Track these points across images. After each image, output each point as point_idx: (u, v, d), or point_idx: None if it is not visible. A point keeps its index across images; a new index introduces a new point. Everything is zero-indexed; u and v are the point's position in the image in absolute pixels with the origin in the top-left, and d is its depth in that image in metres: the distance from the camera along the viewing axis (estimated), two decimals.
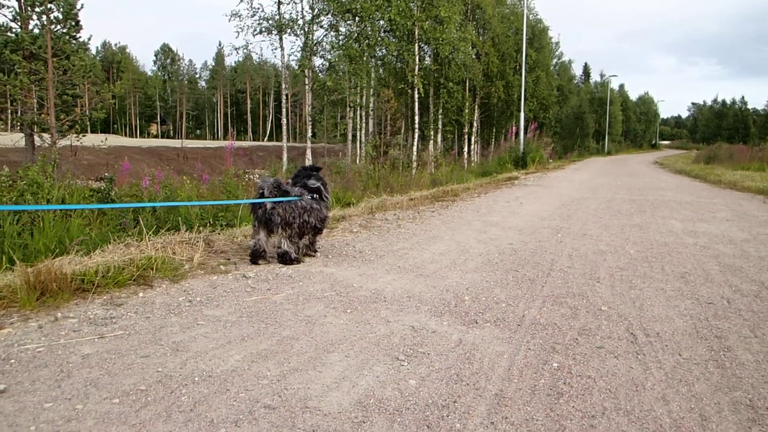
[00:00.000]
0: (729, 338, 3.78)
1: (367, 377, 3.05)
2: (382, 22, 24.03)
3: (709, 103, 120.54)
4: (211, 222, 7.36)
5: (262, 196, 5.46)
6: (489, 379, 3.06)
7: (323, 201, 5.94)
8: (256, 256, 5.60)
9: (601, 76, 77.56)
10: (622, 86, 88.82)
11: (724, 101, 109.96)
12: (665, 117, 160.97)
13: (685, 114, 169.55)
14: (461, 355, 3.39)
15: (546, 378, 3.10)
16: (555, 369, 3.22)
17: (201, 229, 6.82)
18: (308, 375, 3.05)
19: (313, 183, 5.96)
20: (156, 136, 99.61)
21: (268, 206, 5.44)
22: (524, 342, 3.63)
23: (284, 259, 5.60)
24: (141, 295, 4.44)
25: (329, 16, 24.63)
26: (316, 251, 6.11)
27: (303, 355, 3.31)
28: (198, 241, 6.02)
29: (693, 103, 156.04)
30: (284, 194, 5.57)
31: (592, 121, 63.39)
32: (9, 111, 16.90)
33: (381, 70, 28.58)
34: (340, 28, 25.05)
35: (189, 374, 3.00)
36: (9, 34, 14.69)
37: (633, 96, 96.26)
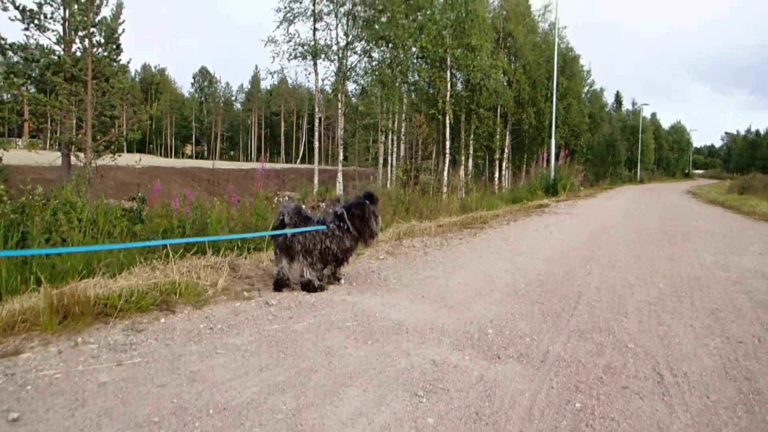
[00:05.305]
0: (759, 380, 3.65)
1: (384, 414, 3.00)
2: (414, 49, 24.18)
3: (742, 132, 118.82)
4: (239, 245, 7.37)
5: (282, 221, 5.46)
6: (509, 419, 2.99)
7: (347, 230, 5.85)
8: (280, 285, 5.58)
9: (633, 104, 77.13)
10: (654, 115, 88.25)
11: (758, 131, 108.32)
12: (698, 146, 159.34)
13: (718, 143, 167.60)
14: (482, 392, 3.33)
15: (568, 419, 3.02)
16: (577, 410, 3.14)
17: (227, 252, 6.84)
18: (324, 410, 3.00)
19: (338, 209, 5.92)
20: (191, 157, 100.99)
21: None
22: (547, 380, 3.55)
23: (307, 287, 5.57)
24: (162, 320, 4.44)
25: (363, 42, 24.89)
26: (338, 279, 6.07)
27: (320, 388, 3.27)
28: (223, 266, 6.04)
29: (726, 133, 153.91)
30: (305, 219, 5.56)
31: (624, 148, 62.78)
32: (48, 131, 17.27)
33: (413, 95, 28.71)
34: (374, 54, 25.28)
35: (204, 406, 2.97)
36: (52, 56, 15.07)
37: (665, 124, 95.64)
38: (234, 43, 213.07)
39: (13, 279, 5.10)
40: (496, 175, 34.23)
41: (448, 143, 26.08)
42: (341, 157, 27.00)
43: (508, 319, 4.92)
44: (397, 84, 24.48)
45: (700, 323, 4.98)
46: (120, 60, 16.10)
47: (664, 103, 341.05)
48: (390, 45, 23.99)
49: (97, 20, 14.99)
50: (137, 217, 7.85)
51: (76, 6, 14.55)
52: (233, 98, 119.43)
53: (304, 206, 5.83)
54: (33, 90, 15.88)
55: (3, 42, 14.39)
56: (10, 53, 15.01)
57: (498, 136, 33.46)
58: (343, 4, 24.99)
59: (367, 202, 5.97)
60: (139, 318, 4.46)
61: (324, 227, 5.62)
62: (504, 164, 35.65)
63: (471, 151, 30.95)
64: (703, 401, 3.31)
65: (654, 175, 75.33)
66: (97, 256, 5.78)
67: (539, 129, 37.33)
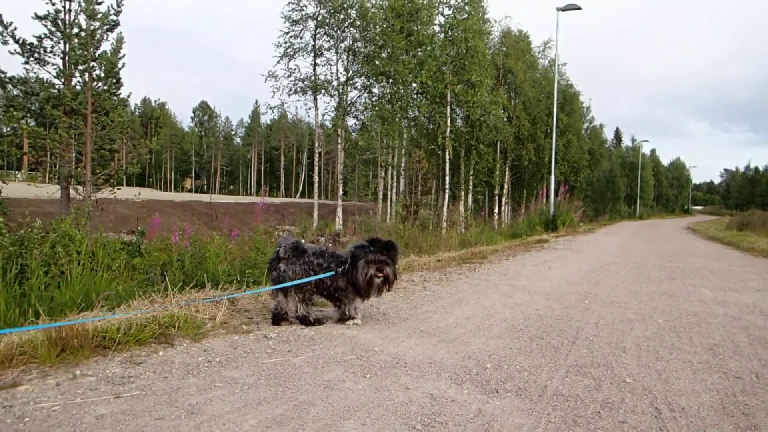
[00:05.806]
0: (756, 415, 3.64)
1: None
2: (414, 85, 24.44)
3: (741, 169, 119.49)
4: (238, 279, 7.36)
5: (278, 255, 5.48)
6: None
7: (344, 272, 5.64)
8: (278, 319, 5.58)
9: (633, 140, 77.74)
10: (653, 151, 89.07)
11: (757, 168, 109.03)
12: (698, 182, 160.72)
13: (717, 180, 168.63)
14: (479, 426, 3.32)
15: None
16: None
17: (227, 286, 6.84)
18: None
19: (350, 250, 5.78)
20: (190, 191, 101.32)
21: (282, 268, 5.44)
22: (545, 414, 3.54)
23: (304, 321, 5.57)
24: (161, 353, 4.44)
25: (363, 77, 25.16)
26: (343, 320, 5.86)
27: (318, 422, 3.26)
28: (222, 299, 6.04)
29: (725, 169, 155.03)
30: (301, 254, 5.55)
31: (624, 185, 63.16)
32: (48, 164, 17.30)
33: (413, 131, 28.92)
34: (374, 90, 25.55)
35: None
36: (52, 90, 15.17)
37: (665, 161, 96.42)
38: (234, 76, 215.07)
39: (12, 311, 5.11)
40: (496, 210, 34.35)
41: (447, 178, 26.22)
42: (341, 192, 27.14)
43: (506, 354, 4.91)
44: (397, 119, 24.70)
45: (699, 359, 4.98)
46: (120, 94, 16.18)
47: (664, 140, 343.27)
48: (390, 80, 24.26)
49: (97, 54, 15.10)
50: (136, 251, 7.87)
51: (76, 40, 14.68)
52: (233, 133, 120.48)
53: (303, 240, 5.84)
54: (32, 123, 15.95)
55: (3, 75, 14.49)
56: (9, 87, 15.12)
57: (498, 172, 33.66)
58: (344, 39, 25.36)
59: (371, 248, 5.58)
60: (138, 351, 4.46)
61: (333, 273, 5.60)
62: (503, 200, 35.81)
63: (470, 187, 31.09)
64: None
65: (653, 212, 75.68)
66: (95, 289, 5.79)
67: (539, 165, 37.57)
